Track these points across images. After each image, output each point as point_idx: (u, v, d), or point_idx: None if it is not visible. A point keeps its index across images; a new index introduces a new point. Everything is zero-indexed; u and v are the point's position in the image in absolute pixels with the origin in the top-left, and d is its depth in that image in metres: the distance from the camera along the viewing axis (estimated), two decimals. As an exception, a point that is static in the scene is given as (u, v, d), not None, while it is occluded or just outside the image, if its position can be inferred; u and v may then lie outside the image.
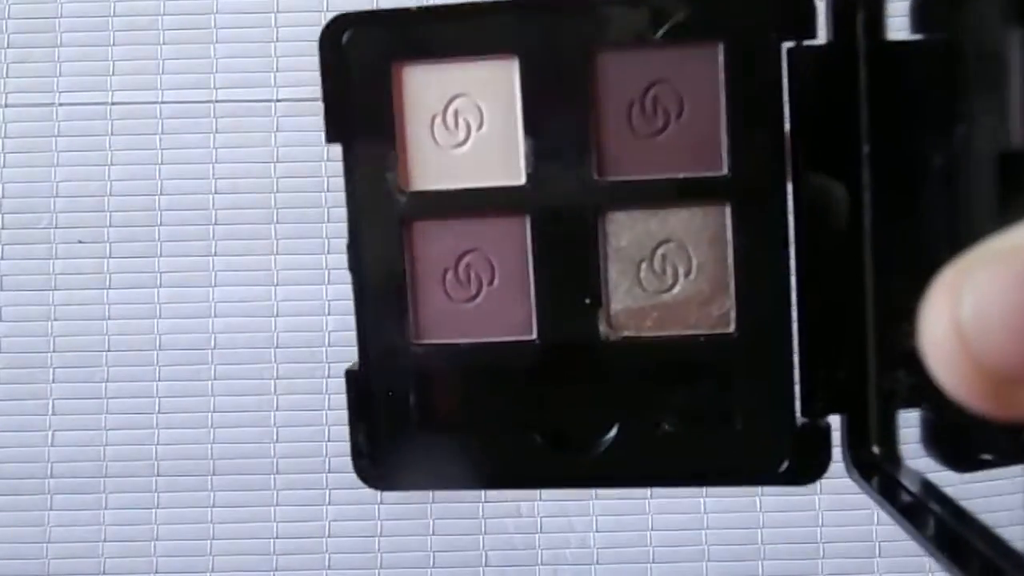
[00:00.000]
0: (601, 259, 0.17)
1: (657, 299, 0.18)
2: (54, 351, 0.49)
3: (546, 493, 0.48)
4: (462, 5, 0.18)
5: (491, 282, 0.18)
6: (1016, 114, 0.13)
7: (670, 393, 0.17)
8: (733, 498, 0.47)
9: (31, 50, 0.50)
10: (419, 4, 0.18)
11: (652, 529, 0.48)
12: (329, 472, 0.48)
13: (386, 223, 0.18)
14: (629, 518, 0.48)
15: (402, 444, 0.18)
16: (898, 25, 0.16)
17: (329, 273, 0.48)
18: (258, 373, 0.48)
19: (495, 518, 0.48)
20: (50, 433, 0.48)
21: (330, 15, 0.55)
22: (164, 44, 0.50)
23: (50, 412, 0.48)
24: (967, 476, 0.16)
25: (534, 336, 0.18)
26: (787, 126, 0.17)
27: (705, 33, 0.17)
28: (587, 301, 0.17)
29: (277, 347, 0.48)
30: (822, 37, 0.17)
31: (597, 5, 0.17)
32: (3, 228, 0.49)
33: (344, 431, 0.52)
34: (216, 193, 0.49)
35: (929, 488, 0.16)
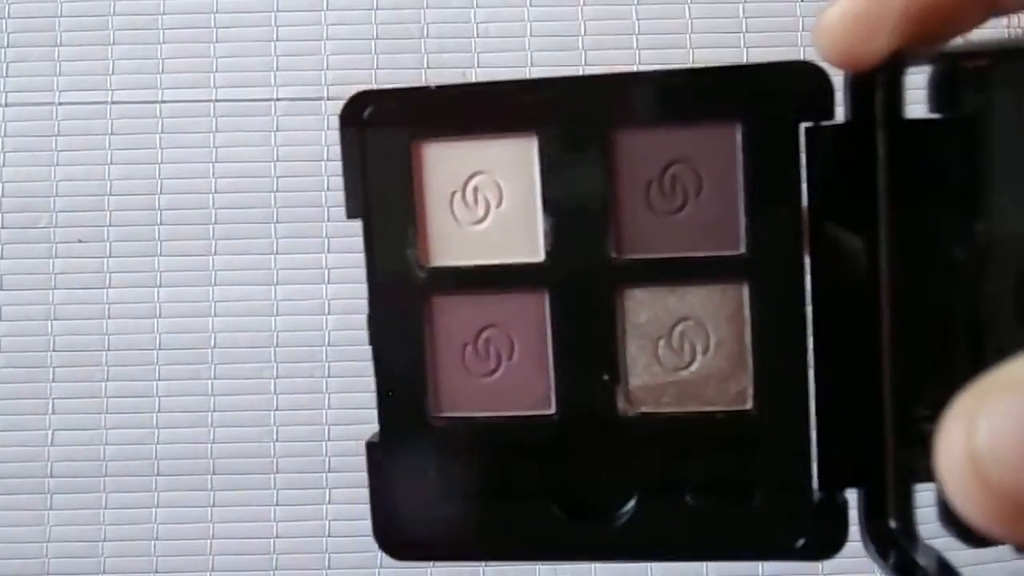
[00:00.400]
0: (619, 336, 0.18)
1: (675, 376, 0.18)
2: (54, 351, 0.49)
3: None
4: (481, 84, 0.18)
5: (510, 357, 0.18)
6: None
7: (688, 468, 0.17)
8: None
9: (31, 49, 0.50)
10: (439, 83, 0.18)
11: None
12: (329, 472, 0.48)
13: (406, 298, 0.18)
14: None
15: (422, 515, 0.18)
16: (917, 98, 0.16)
17: (329, 273, 0.48)
18: (258, 373, 0.48)
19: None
20: (50, 433, 0.48)
21: (330, 14, 0.55)
22: (164, 43, 0.50)
23: (50, 412, 0.48)
24: (983, 553, 0.16)
25: (553, 411, 0.18)
26: (805, 205, 0.17)
27: (723, 113, 0.17)
28: (605, 377, 0.18)
29: (277, 347, 0.48)
30: (840, 116, 0.17)
31: (616, 84, 0.17)
32: (3, 228, 0.49)
33: (344, 430, 0.52)
34: (216, 193, 0.49)
35: (945, 567, 0.16)
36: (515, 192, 0.18)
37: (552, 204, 0.18)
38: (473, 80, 0.16)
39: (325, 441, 0.48)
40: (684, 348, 0.18)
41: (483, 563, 0.16)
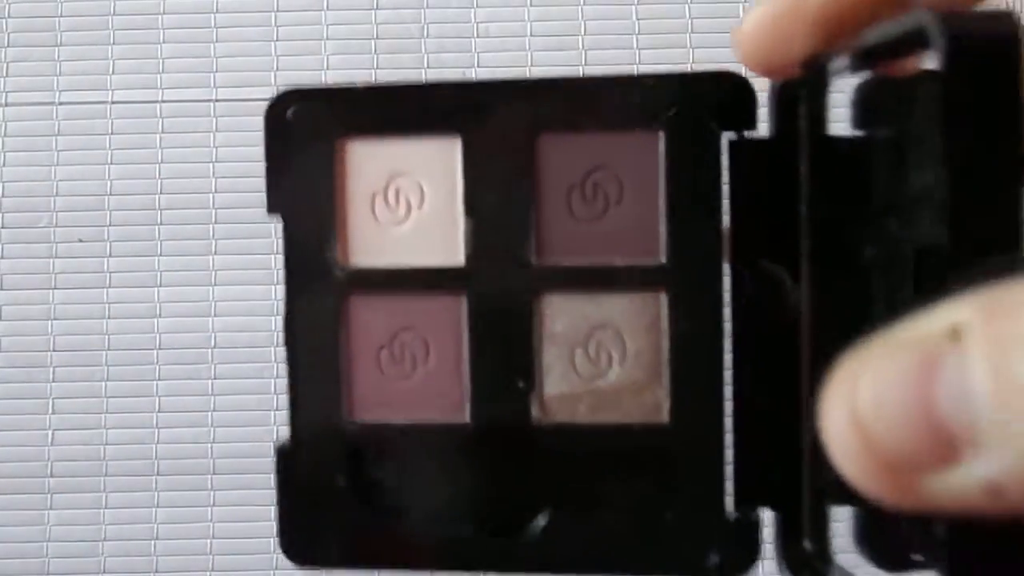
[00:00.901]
0: (536, 343, 0.17)
1: (591, 385, 0.17)
2: (54, 351, 0.49)
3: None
4: (408, 85, 0.18)
5: (426, 362, 0.18)
6: (930, 209, 0.14)
7: (601, 481, 0.17)
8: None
9: (31, 49, 0.50)
10: (367, 83, 0.18)
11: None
12: (329, 472, 0.48)
13: (323, 298, 0.18)
14: None
15: (330, 522, 0.18)
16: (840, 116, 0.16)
17: (329, 273, 0.48)
18: (258, 373, 0.48)
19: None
20: (50, 433, 0.48)
21: (330, 14, 0.55)
22: (164, 43, 0.50)
23: (50, 412, 0.48)
24: None
25: (467, 419, 0.18)
26: (726, 217, 0.17)
27: (646, 121, 0.17)
28: (521, 385, 0.17)
29: (277, 347, 0.48)
30: (765, 130, 0.17)
31: (541, 89, 0.17)
32: (3, 228, 0.49)
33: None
34: (216, 193, 0.49)
35: None
36: (437, 194, 0.18)
37: (473, 207, 0.17)
38: (414, 80, 0.16)
39: (325, 441, 0.48)
40: (601, 357, 0.17)
41: (391, 572, 0.16)
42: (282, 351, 0.18)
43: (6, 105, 0.50)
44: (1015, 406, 0.10)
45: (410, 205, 0.18)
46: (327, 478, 0.18)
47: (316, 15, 0.50)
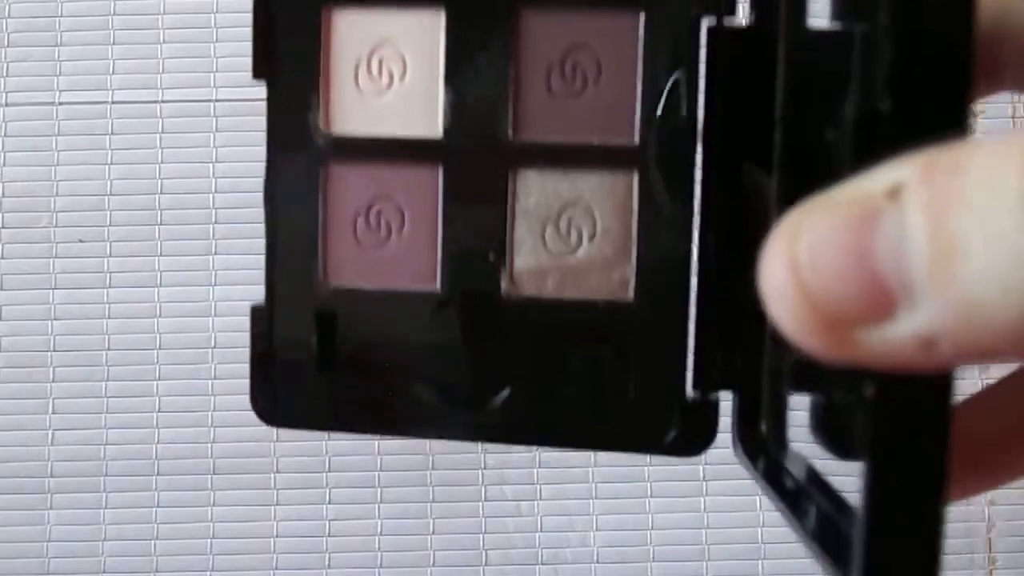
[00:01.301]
0: (508, 217, 0.18)
1: (560, 260, 0.18)
2: (54, 351, 0.49)
3: (546, 492, 0.48)
4: None
5: (400, 230, 0.18)
6: (875, 72, 0.14)
7: (565, 357, 0.18)
8: (733, 498, 0.47)
9: (31, 49, 0.50)
10: None
11: (652, 529, 0.48)
12: (329, 472, 0.48)
13: (303, 163, 0.18)
14: (629, 518, 0.48)
15: (300, 383, 0.18)
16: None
17: (329, 273, 0.48)
18: (258, 373, 0.48)
19: (495, 518, 0.48)
20: (50, 433, 0.48)
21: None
22: (164, 43, 0.50)
23: (50, 412, 0.48)
24: (851, 465, 0.16)
25: (437, 288, 0.18)
26: (701, 103, 0.17)
27: (626, 1, 0.17)
28: (491, 257, 0.18)
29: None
30: (745, 20, 0.17)
31: None
32: (3, 228, 0.49)
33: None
34: (216, 193, 0.49)
35: (813, 475, 0.16)
36: (419, 66, 0.18)
37: (453, 81, 0.18)
38: None
39: (325, 441, 0.48)
40: (571, 233, 0.18)
41: (358, 435, 0.17)
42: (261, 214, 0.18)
43: (6, 105, 0.50)
44: (949, 261, 0.10)
45: (392, 75, 0.18)
46: (299, 341, 0.18)
47: (316, 15, 0.50)
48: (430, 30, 0.18)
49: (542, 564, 0.47)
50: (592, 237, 0.18)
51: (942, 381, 0.12)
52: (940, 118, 0.12)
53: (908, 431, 0.12)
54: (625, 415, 0.17)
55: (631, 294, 0.17)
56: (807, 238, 0.11)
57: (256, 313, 0.18)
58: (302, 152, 0.18)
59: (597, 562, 0.48)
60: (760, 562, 0.47)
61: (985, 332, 0.10)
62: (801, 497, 0.16)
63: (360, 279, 0.18)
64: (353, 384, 0.18)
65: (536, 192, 0.18)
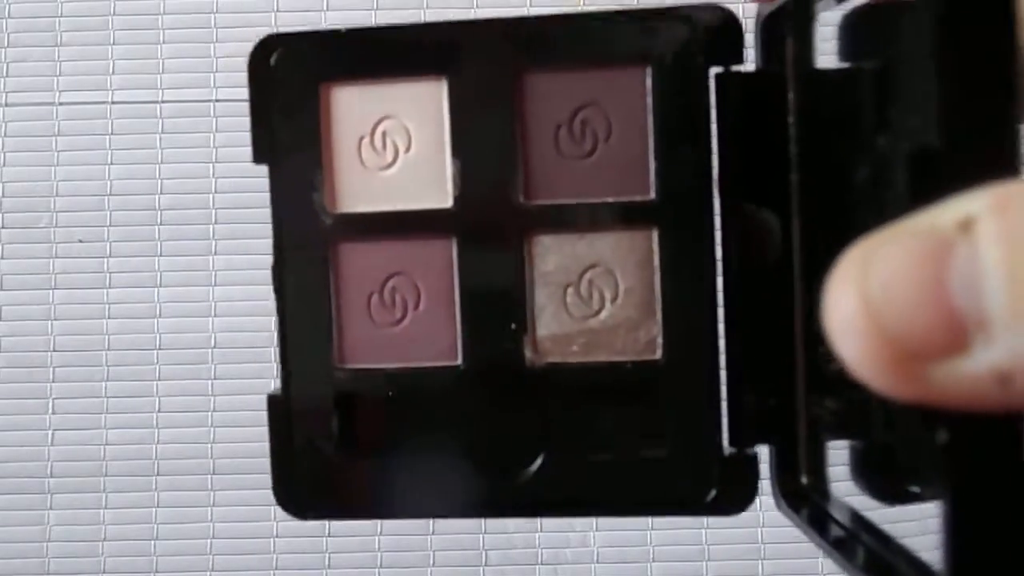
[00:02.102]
0: (527, 283, 0.17)
1: (584, 324, 0.17)
2: (54, 351, 0.49)
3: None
4: (391, 27, 0.18)
5: (417, 306, 0.18)
6: (925, 112, 0.13)
7: (597, 420, 0.17)
8: (733, 498, 0.47)
9: (31, 49, 0.50)
10: (349, 26, 0.18)
11: (652, 529, 0.47)
12: (329, 472, 0.48)
13: (312, 244, 0.18)
14: (629, 518, 0.48)
15: (324, 471, 0.18)
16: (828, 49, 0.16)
17: (329, 273, 0.48)
18: (257, 373, 0.48)
19: (495, 518, 0.48)
20: (50, 433, 0.48)
21: (330, 15, 0.55)
22: (164, 43, 0.50)
23: (50, 412, 0.48)
24: (900, 510, 0.15)
25: (459, 362, 0.17)
26: (716, 152, 0.17)
27: (633, 57, 0.17)
28: (512, 326, 0.17)
29: (277, 347, 0.48)
30: (753, 65, 0.16)
31: (525, 27, 0.17)
32: (3, 228, 0.49)
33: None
34: (216, 193, 0.49)
35: (858, 519, 0.16)
36: (424, 137, 0.17)
37: (460, 149, 0.17)
38: (383, 23, 0.16)
39: (325, 441, 0.48)
40: (593, 296, 0.17)
41: (389, 519, 0.16)
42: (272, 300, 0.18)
43: (6, 105, 0.50)
44: None
45: (397, 148, 0.18)
46: (319, 427, 0.18)
47: (316, 15, 0.50)
48: (433, 100, 0.17)
49: (542, 564, 0.47)
50: (615, 298, 0.17)
51: (1014, 422, 0.12)
52: (993, 152, 0.12)
53: (985, 474, 0.12)
54: (663, 477, 0.17)
55: (659, 353, 0.17)
56: (879, 270, 0.11)
57: (273, 402, 0.18)
58: (309, 234, 0.18)
59: (597, 562, 0.48)
60: (760, 562, 0.47)
61: None
62: (848, 540, 0.15)
63: (378, 359, 0.18)
64: (378, 468, 0.18)
65: (554, 256, 0.17)
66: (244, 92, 0.55)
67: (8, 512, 0.48)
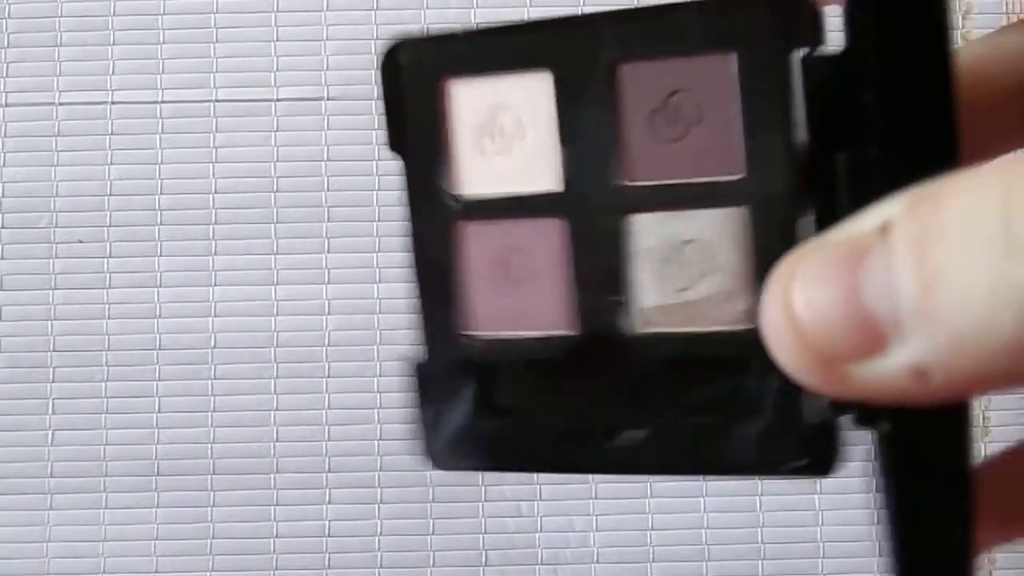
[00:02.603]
0: (630, 259, 0.19)
1: (682, 296, 0.19)
2: (54, 351, 0.49)
3: (546, 492, 0.48)
4: (501, 26, 0.19)
5: (531, 280, 0.19)
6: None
7: (696, 388, 0.18)
8: (733, 498, 0.47)
9: (31, 49, 0.50)
10: (466, 28, 0.19)
11: (652, 529, 0.48)
12: (329, 472, 0.48)
13: (438, 226, 0.20)
14: (629, 518, 0.48)
15: (459, 429, 0.20)
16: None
17: (329, 273, 0.48)
18: (258, 373, 0.48)
19: (495, 518, 0.48)
20: (50, 433, 0.48)
21: (330, 14, 0.55)
22: (164, 44, 0.50)
23: (50, 412, 0.48)
24: None
25: (568, 332, 0.19)
26: (802, 130, 0.17)
27: (719, 43, 0.18)
28: (616, 299, 0.19)
29: (277, 347, 0.48)
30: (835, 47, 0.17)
31: (618, 21, 0.18)
32: (3, 228, 0.49)
33: (344, 430, 0.52)
34: (216, 193, 0.49)
35: None
36: (536, 126, 0.19)
37: (567, 137, 0.19)
38: (505, 22, 0.18)
39: (325, 441, 0.48)
40: (690, 269, 0.19)
41: (509, 472, 0.19)
42: (407, 277, 0.20)
43: (6, 105, 0.50)
44: (933, 293, 0.11)
45: (512, 138, 0.19)
46: (454, 388, 0.20)
47: (316, 15, 0.50)
48: (541, 92, 0.19)
49: (542, 564, 0.47)
50: (711, 272, 0.18)
51: (957, 414, 0.12)
52: (927, 157, 0.12)
53: (927, 463, 0.13)
54: (758, 441, 0.18)
55: (753, 322, 0.18)
56: (800, 279, 0.12)
57: (413, 365, 0.20)
58: (436, 216, 0.19)
59: (597, 562, 0.48)
60: (760, 562, 0.47)
61: (973, 360, 0.11)
62: None
63: (501, 327, 0.20)
64: (503, 426, 0.20)
65: (654, 233, 0.19)
66: (244, 93, 0.55)
67: (8, 512, 0.48)
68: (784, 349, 0.12)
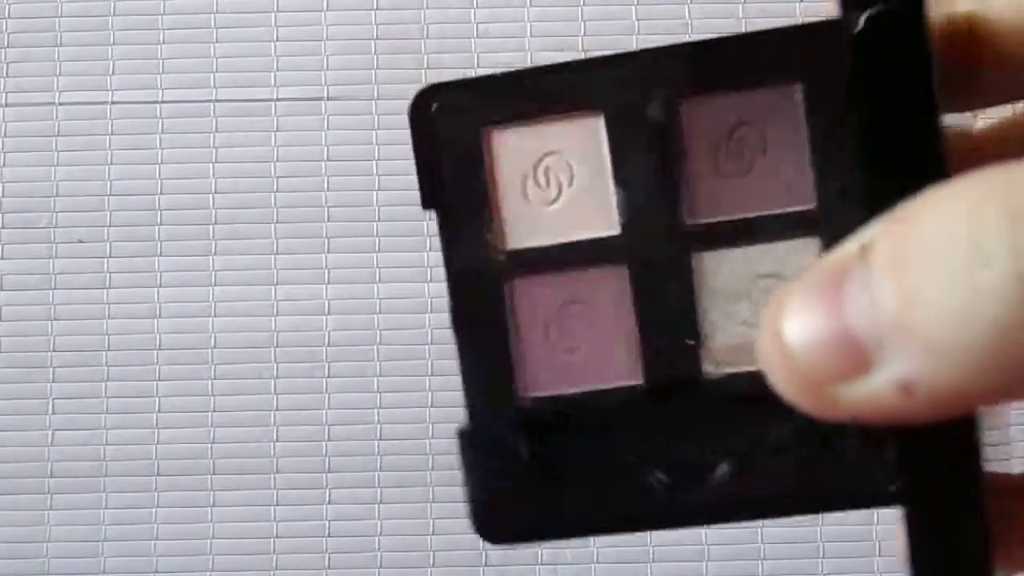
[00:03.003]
0: (699, 300, 0.18)
1: (755, 333, 0.18)
2: (54, 351, 0.49)
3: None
4: (544, 67, 0.18)
5: (592, 331, 0.18)
6: None
7: (778, 423, 0.17)
8: (733, 498, 0.47)
9: (31, 49, 0.50)
10: (503, 70, 0.18)
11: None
12: (329, 472, 0.48)
13: (486, 282, 0.18)
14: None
15: (518, 498, 0.18)
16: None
17: (329, 273, 0.48)
18: (258, 373, 0.48)
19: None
20: (50, 433, 0.48)
21: (330, 14, 0.55)
22: (164, 44, 0.50)
23: (50, 412, 0.48)
24: None
25: (639, 380, 0.18)
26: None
27: (783, 75, 0.17)
28: (689, 342, 0.18)
29: (277, 347, 0.48)
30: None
31: (674, 56, 0.18)
32: (3, 228, 0.49)
33: (344, 431, 0.52)
34: (216, 193, 0.49)
35: None
36: (586, 170, 0.18)
37: (622, 177, 0.18)
38: (549, 63, 0.17)
39: (325, 441, 0.48)
40: (764, 304, 0.18)
41: (581, 538, 0.18)
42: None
43: (6, 105, 0.50)
44: (911, 309, 0.11)
45: (560, 183, 0.18)
46: (510, 455, 0.18)
47: (316, 15, 0.50)
48: (592, 133, 0.18)
49: (542, 564, 0.47)
50: None
51: (965, 427, 0.12)
52: (914, 178, 0.12)
53: (939, 486, 0.13)
54: (845, 472, 0.17)
55: None
56: (787, 308, 0.12)
57: (463, 434, 0.18)
58: (483, 272, 0.18)
59: (597, 562, 0.48)
60: (760, 562, 0.47)
61: (952, 374, 0.11)
62: None
63: (560, 386, 0.18)
64: (570, 489, 0.18)
65: (723, 271, 0.18)
66: (244, 92, 0.55)
67: (8, 512, 0.48)
68: (778, 378, 0.13)
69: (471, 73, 0.50)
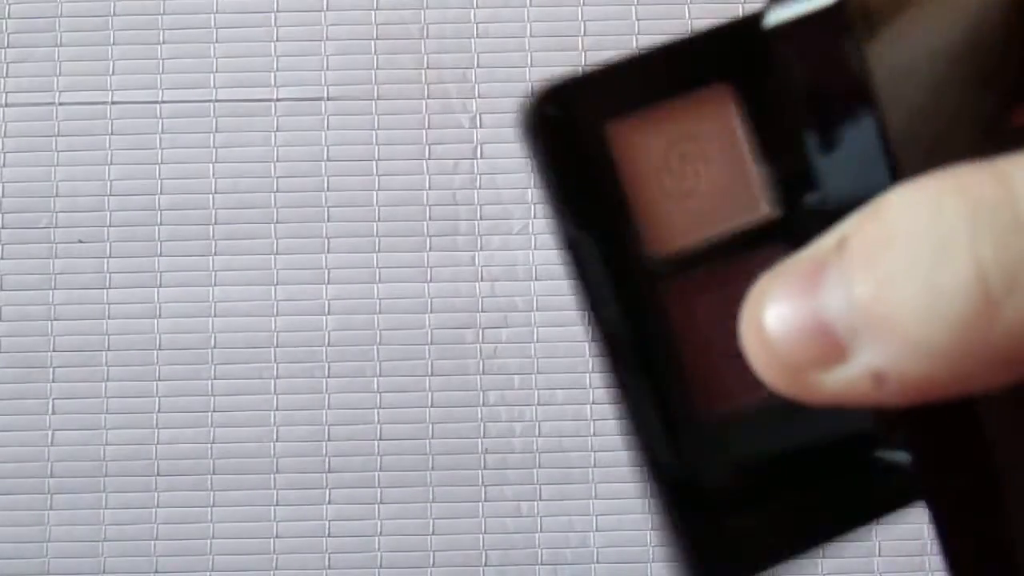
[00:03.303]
0: None
1: None
2: (54, 351, 0.49)
3: (546, 492, 0.48)
4: (658, 48, 0.16)
5: None
6: None
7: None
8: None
9: (31, 49, 0.50)
10: (609, 60, 0.16)
11: (652, 529, 0.48)
12: (329, 472, 0.48)
13: (638, 293, 0.16)
14: (629, 518, 0.48)
15: (738, 525, 0.16)
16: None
17: (329, 273, 0.48)
18: (258, 373, 0.48)
19: (495, 518, 0.48)
20: (50, 433, 0.48)
21: (330, 14, 0.54)
22: (164, 44, 0.50)
23: (50, 412, 0.48)
24: None
25: None
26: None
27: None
28: None
29: (277, 347, 0.48)
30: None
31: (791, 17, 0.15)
32: (3, 228, 0.49)
33: (344, 431, 0.52)
34: (216, 193, 0.49)
35: None
36: (720, 151, 0.16)
37: (763, 154, 0.16)
38: (658, 43, 0.15)
39: (325, 441, 0.48)
40: None
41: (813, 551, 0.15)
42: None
43: (6, 105, 0.50)
44: (881, 300, 0.11)
45: (697, 170, 0.16)
46: (714, 482, 0.16)
47: (316, 15, 0.50)
48: (722, 111, 0.16)
49: (542, 564, 0.47)
50: None
51: (963, 408, 0.12)
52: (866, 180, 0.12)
53: (951, 476, 0.12)
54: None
55: None
56: (768, 296, 0.13)
57: (661, 475, 0.16)
58: (633, 282, 0.16)
59: (597, 562, 0.48)
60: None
61: (921, 364, 0.11)
62: None
63: (743, 394, 0.16)
64: (781, 502, 0.16)
65: None
66: (243, 92, 0.55)
67: (8, 512, 0.48)
68: (758, 363, 0.13)
69: (471, 73, 0.50)
